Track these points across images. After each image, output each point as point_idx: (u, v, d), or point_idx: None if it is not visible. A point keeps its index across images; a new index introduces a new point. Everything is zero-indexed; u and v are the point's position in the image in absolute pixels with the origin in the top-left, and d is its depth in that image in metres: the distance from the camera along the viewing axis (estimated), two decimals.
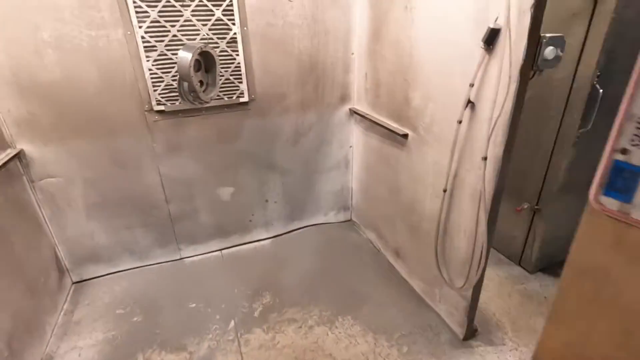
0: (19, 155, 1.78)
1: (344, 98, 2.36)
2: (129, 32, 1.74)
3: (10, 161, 1.71)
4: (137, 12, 1.71)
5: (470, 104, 1.37)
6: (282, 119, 2.25)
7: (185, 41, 1.83)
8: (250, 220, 2.48)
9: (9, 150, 1.73)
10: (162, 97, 1.90)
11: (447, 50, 1.45)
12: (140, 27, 1.73)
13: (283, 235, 2.63)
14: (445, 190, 1.59)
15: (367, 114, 2.21)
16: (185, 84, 1.66)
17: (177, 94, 1.92)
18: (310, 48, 2.12)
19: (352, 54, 2.24)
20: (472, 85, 1.33)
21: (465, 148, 1.45)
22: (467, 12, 1.32)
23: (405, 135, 1.84)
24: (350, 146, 2.53)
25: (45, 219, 1.95)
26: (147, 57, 1.80)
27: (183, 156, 2.10)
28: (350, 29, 2.16)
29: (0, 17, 1.55)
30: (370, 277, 2.20)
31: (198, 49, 1.56)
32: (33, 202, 1.89)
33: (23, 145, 1.78)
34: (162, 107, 1.92)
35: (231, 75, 1.98)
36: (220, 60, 1.94)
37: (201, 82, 1.70)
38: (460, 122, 1.42)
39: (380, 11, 1.89)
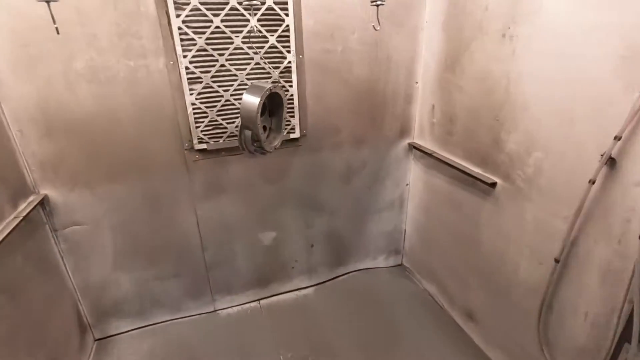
0: (42, 202, 1.54)
1: (404, 131, 2.07)
2: (171, 62, 1.50)
3: (33, 210, 1.47)
4: (182, 40, 1.47)
5: (610, 160, 1.06)
6: (333, 155, 1.98)
7: (234, 71, 1.58)
8: (293, 267, 2.19)
9: (31, 198, 1.50)
10: (204, 134, 1.65)
11: (572, 91, 1.16)
12: (184, 56, 1.50)
13: (327, 283, 2.33)
14: (557, 261, 1.27)
15: (433, 151, 1.92)
16: (248, 132, 1.39)
17: (221, 130, 1.67)
18: (370, 75, 1.86)
19: (416, 83, 1.96)
20: (618, 138, 1.03)
21: (596, 214, 1.14)
22: (611, 46, 1.03)
23: (493, 184, 1.53)
24: (407, 184, 2.24)
25: (68, 271, 1.70)
26: (190, 89, 1.56)
27: (223, 198, 1.84)
28: (416, 55, 1.89)
29: (34, 49, 1.33)
30: (434, 340, 1.87)
31: (267, 90, 1.31)
32: (55, 253, 1.64)
33: (47, 190, 1.55)
34: (204, 146, 1.67)
35: None
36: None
37: (264, 128, 1.43)
38: (593, 182, 1.11)
39: (459, 37, 1.62)
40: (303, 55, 1.68)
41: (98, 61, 1.42)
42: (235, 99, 1.64)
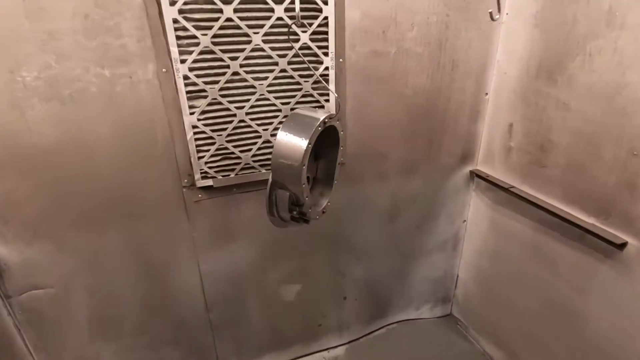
0: None
1: (465, 156, 1.61)
2: (164, 70, 1.06)
3: None
4: (179, 38, 1.03)
5: None
6: (376, 188, 1.53)
7: (251, 81, 1.14)
8: (320, 325, 1.75)
9: None
10: (210, 167, 1.21)
11: None
12: (182, 61, 1.06)
13: (361, 339, 1.88)
14: None
15: (508, 185, 1.46)
16: (284, 194, 0.84)
17: (232, 162, 1.23)
18: (429, 86, 1.40)
19: (486, 94, 1.50)
20: None
21: None
22: None
23: (621, 245, 1.07)
24: (464, 221, 1.77)
25: (29, 349, 1.28)
26: (191, 107, 1.12)
27: (234, 245, 1.40)
28: (489, 59, 1.43)
29: None
30: None
31: (319, 126, 0.80)
32: (9, 326, 1.22)
33: None
34: (208, 182, 1.23)
35: None
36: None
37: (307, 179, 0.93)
38: None
39: (566, 35, 1.15)
40: (344, 60, 1.24)
41: (58, 70, 0.98)
42: (253, 119, 1.20)
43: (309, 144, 0.76)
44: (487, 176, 1.56)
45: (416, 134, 1.48)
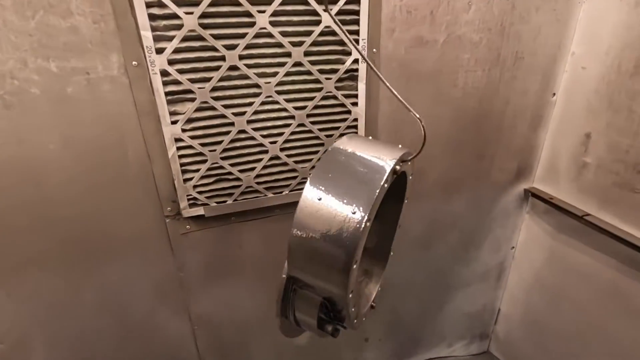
0: None
1: (521, 172, 1.30)
2: (134, 63, 0.77)
3: None
4: (153, 18, 0.74)
5: None
6: (411, 211, 1.22)
7: (254, 78, 0.84)
8: None
9: None
10: (200, 192, 0.92)
11: None
12: (160, 50, 0.76)
13: None
14: None
15: (580, 210, 1.15)
16: (316, 298, 0.52)
17: (229, 184, 0.93)
18: (484, 85, 1.09)
19: (553, 95, 1.18)
20: None
21: None
22: None
23: None
24: (513, 247, 1.47)
25: None
26: (172, 113, 0.82)
27: (233, 285, 1.12)
28: (562, 49, 1.11)
29: None
30: None
31: (387, 178, 0.47)
32: None
33: None
34: (198, 211, 0.94)
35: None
36: (326, 113, 0.94)
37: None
38: None
39: None
40: (379, 50, 0.93)
41: None
42: (257, 129, 0.90)
43: (367, 219, 0.44)
44: (549, 198, 1.25)
45: (463, 146, 1.17)
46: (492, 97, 1.12)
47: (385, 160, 0.48)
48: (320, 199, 0.46)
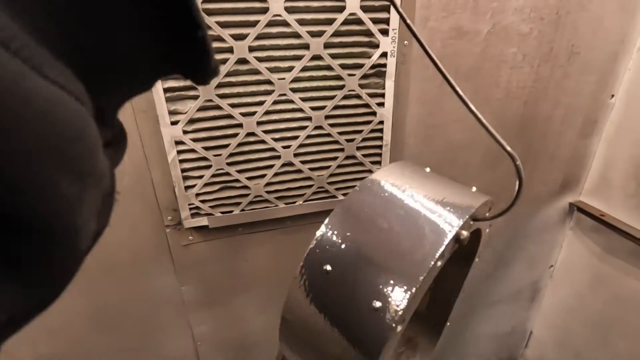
0: None
1: (567, 184, 1.15)
2: None
3: None
4: None
5: None
6: None
7: (266, 73, 0.73)
8: None
9: None
10: (203, 202, 0.82)
11: None
12: None
13: None
14: None
15: (637, 231, 0.99)
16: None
17: (236, 193, 0.83)
18: (532, 84, 0.94)
19: (612, 97, 1.02)
20: None
21: None
22: None
23: None
24: (551, 266, 1.31)
25: None
26: (172, 113, 0.72)
27: (240, 301, 1.02)
28: (625, 44, 0.95)
29: None
30: None
31: (443, 253, 0.31)
32: None
33: None
34: (202, 221, 0.84)
35: (360, 148, 0.86)
36: (347, 115, 0.82)
37: None
38: None
39: None
40: (411, 43, 0.80)
41: None
42: (268, 131, 0.79)
43: (399, 318, 0.29)
44: (600, 214, 1.09)
45: (502, 155, 1.02)
46: (539, 99, 0.97)
47: (449, 221, 0.33)
48: (328, 272, 0.33)
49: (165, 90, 0.70)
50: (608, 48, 0.95)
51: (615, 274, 1.10)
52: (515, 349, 1.51)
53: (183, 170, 0.78)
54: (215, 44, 0.69)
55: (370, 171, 0.89)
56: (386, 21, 0.74)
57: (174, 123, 0.73)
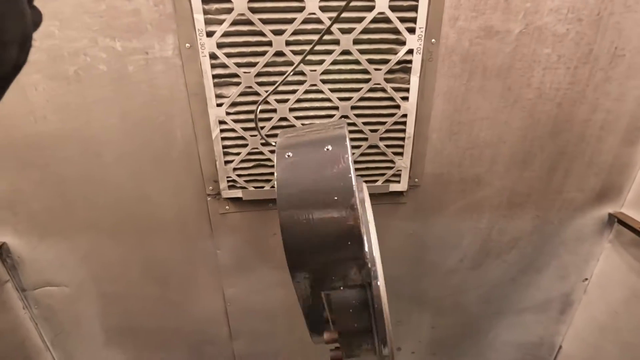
0: (0, 252, 1.02)
1: (604, 193, 1.10)
2: (188, 45, 0.80)
3: None
4: (206, 2, 0.75)
5: None
6: (462, 224, 1.11)
7: (300, 65, 0.82)
8: None
9: None
10: (239, 175, 0.94)
11: None
12: (210, 33, 0.78)
13: None
14: None
15: None
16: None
17: (268, 170, 0.94)
18: (567, 86, 0.93)
19: None
20: None
21: None
22: None
23: None
24: (585, 280, 1.26)
25: (46, 343, 1.19)
26: (218, 97, 0.85)
27: (266, 272, 1.13)
28: None
29: None
30: None
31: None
32: (26, 319, 1.13)
33: (6, 237, 1.01)
34: (237, 193, 0.97)
35: (383, 139, 0.92)
36: (372, 107, 0.89)
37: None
38: None
39: None
40: (438, 40, 0.84)
41: (60, 41, 0.78)
42: (299, 117, 0.88)
43: (348, 154, 0.42)
44: None
45: (533, 155, 1.02)
46: (575, 101, 0.95)
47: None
48: (289, 155, 0.43)
49: (214, 76, 0.82)
50: None
51: None
52: None
53: (224, 147, 0.90)
54: (256, 38, 0.79)
55: (392, 162, 0.95)
56: (413, 20, 0.80)
57: (219, 105, 0.85)
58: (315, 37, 0.80)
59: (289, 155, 0.43)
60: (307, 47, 0.81)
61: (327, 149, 0.43)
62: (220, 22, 0.77)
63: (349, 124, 0.90)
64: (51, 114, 0.85)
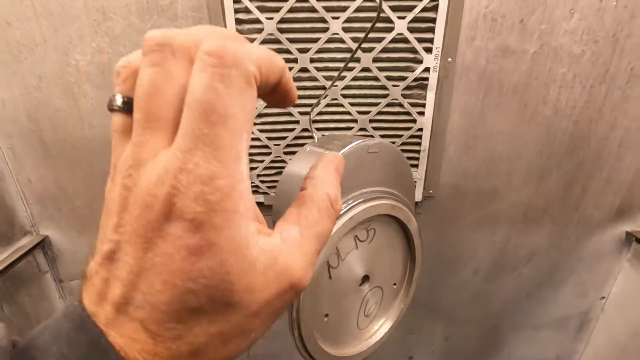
0: (43, 245, 1.12)
1: (623, 210, 1.10)
2: None
3: (29, 254, 1.05)
4: (239, 22, 0.83)
5: None
6: (476, 236, 1.13)
7: (322, 80, 0.88)
8: None
9: (25, 240, 1.07)
10: (262, 181, 1.01)
11: None
12: None
13: None
14: None
15: None
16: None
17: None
18: (584, 104, 0.95)
19: None
20: None
21: None
22: None
23: None
24: (603, 298, 1.24)
25: None
26: None
27: None
28: None
29: (19, 31, 0.85)
30: None
31: None
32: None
33: (48, 230, 1.11)
34: (259, 197, 1.03)
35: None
36: (390, 120, 0.94)
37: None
38: None
39: None
40: (454, 59, 0.88)
41: (110, 55, 0.87)
42: (319, 129, 0.94)
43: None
44: None
45: (550, 171, 1.03)
46: (593, 119, 0.96)
47: None
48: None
49: None
50: None
51: None
52: None
53: (250, 155, 0.97)
54: (283, 55, 0.86)
55: None
56: (430, 40, 0.84)
57: None
58: (338, 55, 0.87)
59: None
60: (330, 64, 0.87)
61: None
62: (252, 40, 0.84)
63: (367, 136, 0.95)
64: (97, 120, 0.94)
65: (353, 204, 0.43)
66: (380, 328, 0.52)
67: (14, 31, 0.85)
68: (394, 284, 0.54)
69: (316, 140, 0.47)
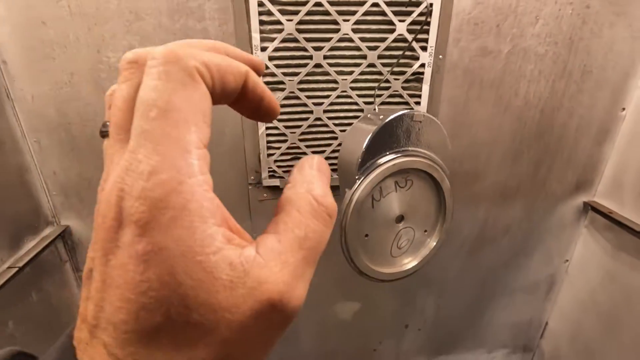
0: (63, 235, 1.16)
1: (580, 185, 1.31)
2: None
3: (50, 245, 1.09)
4: (262, 23, 0.94)
5: None
6: (461, 214, 1.30)
7: (333, 75, 1.01)
8: (375, 350, 1.58)
9: (48, 230, 1.12)
10: (278, 166, 1.12)
11: None
12: (263, 48, 0.96)
13: None
14: None
15: None
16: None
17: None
18: (547, 96, 1.14)
19: (623, 110, 1.19)
20: None
21: None
22: None
23: None
24: (566, 261, 1.46)
25: None
26: None
27: None
28: (636, 65, 1.12)
29: (53, 30, 0.91)
30: None
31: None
32: (80, 298, 1.26)
33: (69, 221, 1.16)
34: (275, 182, 1.14)
35: None
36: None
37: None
38: None
39: None
40: (444, 57, 1.04)
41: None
42: (330, 118, 1.07)
43: None
44: (610, 212, 1.24)
45: (521, 154, 1.22)
46: (555, 109, 1.16)
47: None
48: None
49: (265, 82, 1.00)
50: (619, 68, 1.12)
51: (626, 271, 1.23)
52: (532, 339, 1.64)
53: (268, 142, 1.08)
54: (300, 53, 0.98)
55: None
56: (426, 40, 1.00)
57: None
58: (347, 53, 1.00)
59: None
60: (341, 60, 1.00)
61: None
62: (272, 39, 0.96)
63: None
64: None
65: (396, 155, 0.56)
66: (410, 263, 0.66)
67: (48, 30, 0.91)
68: (425, 231, 0.68)
69: (375, 110, 0.61)
